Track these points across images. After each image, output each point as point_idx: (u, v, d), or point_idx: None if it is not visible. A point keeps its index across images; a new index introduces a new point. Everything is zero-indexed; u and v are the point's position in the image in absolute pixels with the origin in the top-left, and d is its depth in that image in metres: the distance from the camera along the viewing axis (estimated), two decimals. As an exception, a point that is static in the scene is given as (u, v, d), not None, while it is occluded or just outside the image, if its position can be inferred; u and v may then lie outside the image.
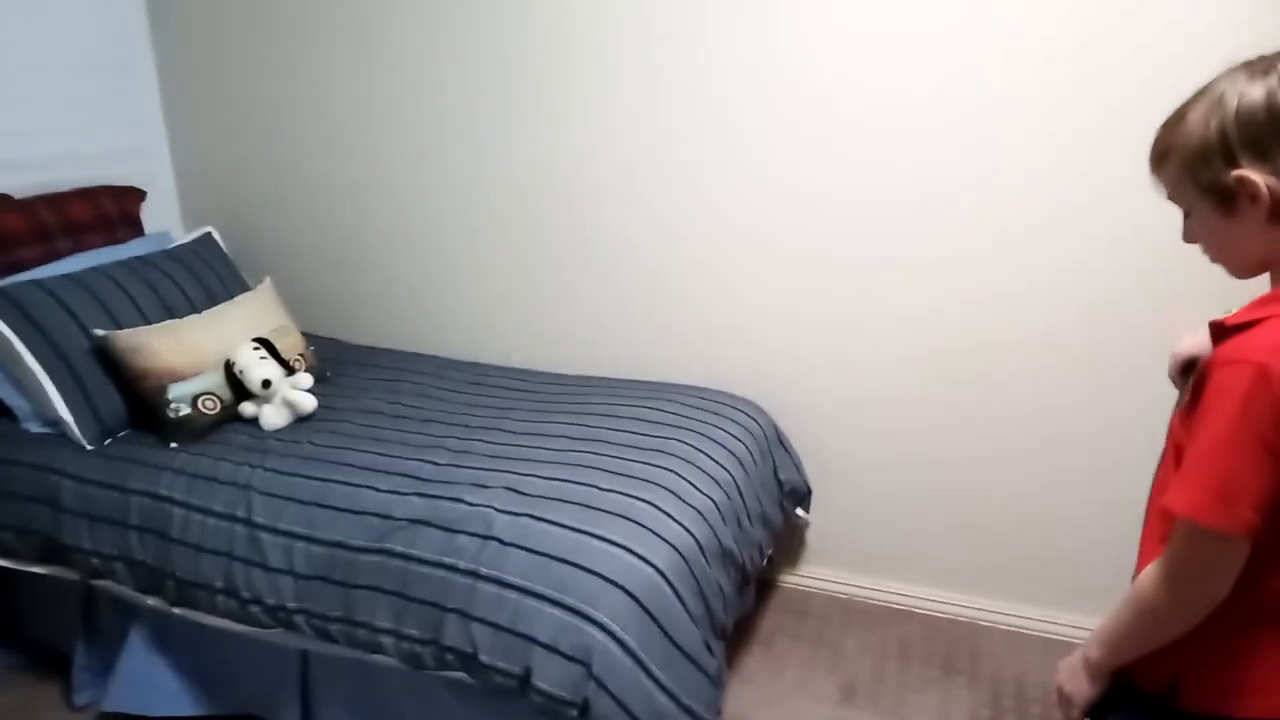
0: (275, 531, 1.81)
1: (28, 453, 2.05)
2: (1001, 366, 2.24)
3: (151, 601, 1.92)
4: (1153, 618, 1.00)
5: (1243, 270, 1.01)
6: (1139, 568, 1.07)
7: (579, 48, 2.37)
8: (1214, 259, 1.03)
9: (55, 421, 2.08)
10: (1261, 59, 0.93)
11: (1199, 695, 1.01)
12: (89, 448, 2.05)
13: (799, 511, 2.44)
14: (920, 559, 2.46)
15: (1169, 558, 0.97)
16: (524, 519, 1.71)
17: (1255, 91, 0.90)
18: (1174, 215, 1.02)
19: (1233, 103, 0.91)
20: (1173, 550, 0.96)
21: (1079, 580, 2.29)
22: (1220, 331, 0.98)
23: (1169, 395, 1.13)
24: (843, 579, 2.56)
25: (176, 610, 1.89)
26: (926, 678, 2.21)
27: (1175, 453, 1.02)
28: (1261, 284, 0.99)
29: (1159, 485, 1.07)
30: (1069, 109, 2.00)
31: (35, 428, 2.13)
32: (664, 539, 1.71)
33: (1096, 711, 1.10)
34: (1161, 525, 1.02)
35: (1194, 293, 1.09)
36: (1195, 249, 1.03)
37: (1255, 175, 0.90)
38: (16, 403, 2.13)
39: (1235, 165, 0.92)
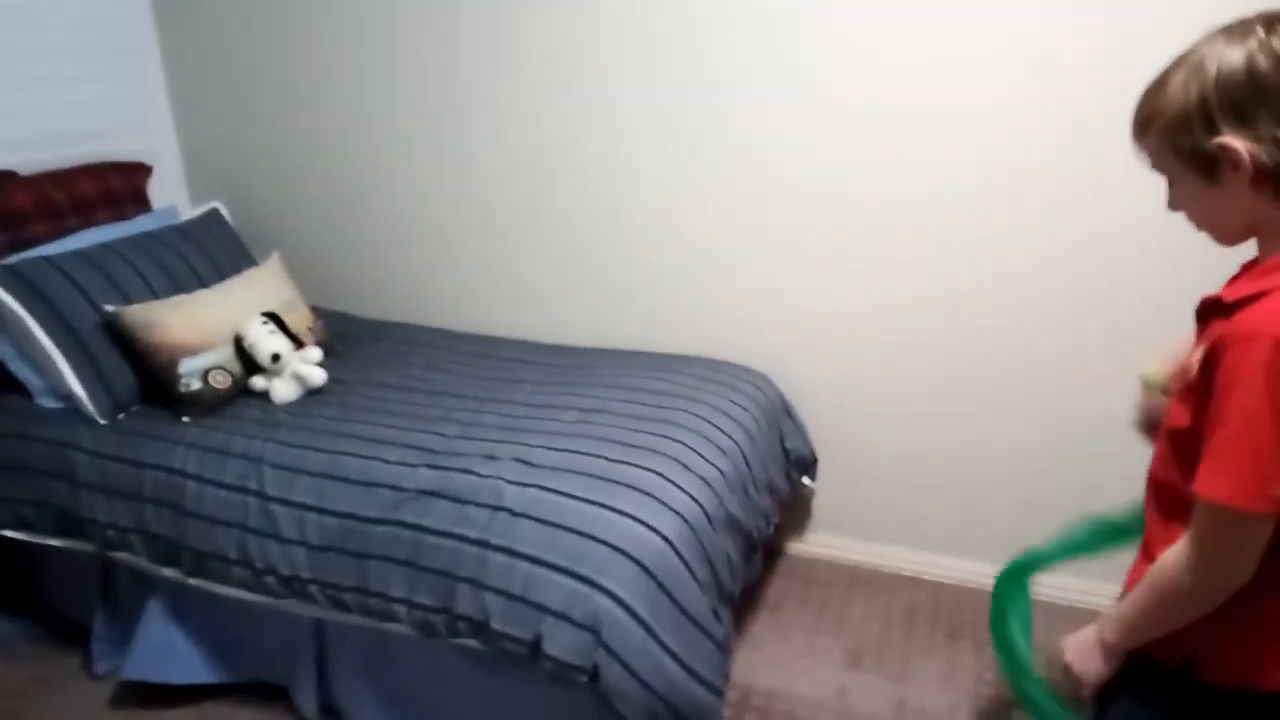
0: (288, 503, 1.83)
1: (43, 428, 2.08)
2: (1010, 337, 2.24)
3: (168, 573, 1.95)
4: (1178, 601, 0.98)
5: (1228, 237, 0.99)
6: (1146, 545, 1.06)
7: (595, 25, 2.35)
8: (1199, 226, 1.01)
9: (68, 397, 2.10)
10: (1241, 23, 0.91)
11: (1218, 669, 1.00)
12: (102, 422, 2.08)
13: (805, 480, 2.46)
14: (926, 526, 2.48)
15: (1197, 541, 0.94)
16: (533, 490, 1.73)
17: (1234, 56, 0.88)
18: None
19: (1212, 68, 0.89)
20: (1201, 533, 0.94)
21: (1084, 546, 2.30)
22: (1217, 307, 0.96)
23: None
24: (849, 546, 2.59)
25: (192, 581, 1.93)
26: (932, 643, 2.24)
27: (1170, 435, 1.01)
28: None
29: (1157, 463, 1.06)
30: (1079, 95, 1.98)
31: (49, 403, 2.15)
32: (672, 508, 1.73)
33: (1109, 687, 1.09)
34: (1166, 503, 1.02)
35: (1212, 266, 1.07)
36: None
37: (1237, 142, 0.89)
38: (30, 379, 2.15)
39: (1216, 132, 0.90)
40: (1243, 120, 0.88)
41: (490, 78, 2.51)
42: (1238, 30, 0.90)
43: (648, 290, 2.56)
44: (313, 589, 1.80)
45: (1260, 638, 0.98)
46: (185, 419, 2.07)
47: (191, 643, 2.03)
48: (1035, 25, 1.99)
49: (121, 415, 2.12)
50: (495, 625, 1.63)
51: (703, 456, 1.92)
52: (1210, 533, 0.93)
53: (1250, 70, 0.88)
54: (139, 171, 2.69)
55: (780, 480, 2.25)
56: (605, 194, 2.51)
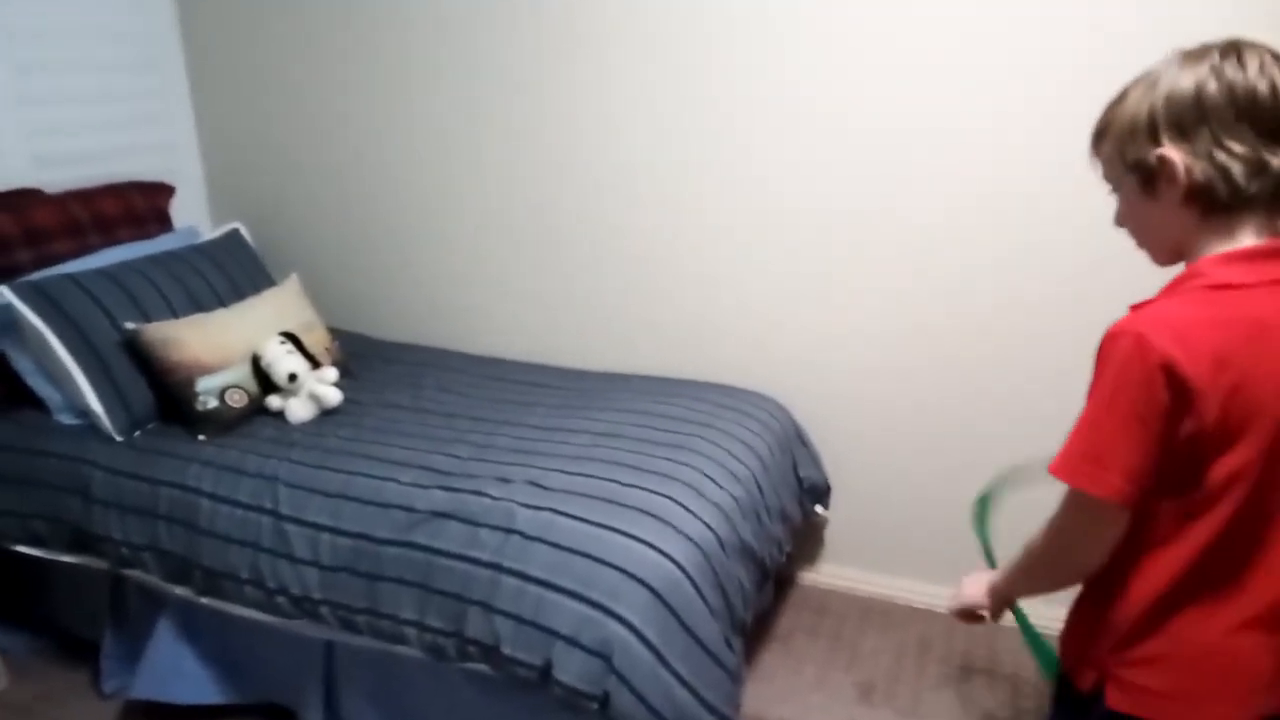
0: (301, 523, 1.83)
1: (59, 443, 2.09)
2: (1024, 369, 2.23)
3: (179, 591, 1.95)
4: (1035, 563, 1.10)
5: (1161, 254, 1.04)
6: None
7: (611, 45, 2.38)
8: (1138, 243, 1.06)
9: (86, 413, 2.12)
10: (1201, 47, 0.95)
11: (1119, 697, 1.03)
12: (119, 439, 2.09)
13: (818, 508, 2.44)
14: (940, 558, 2.46)
15: (1055, 515, 1.03)
16: (546, 513, 1.73)
17: (1186, 77, 0.93)
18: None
19: (1165, 86, 0.94)
20: (1058, 509, 1.02)
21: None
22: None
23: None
24: (861, 577, 2.56)
25: (204, 600, 1.92)
26: (945, 677, 2.21)
27: None
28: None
29: None
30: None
31: (66, 419, 2.16)
32: (684, 534, 1.72)
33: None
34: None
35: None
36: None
37: (1175, 155, 0.93)
38: (48, 394, 2.17)
39: (1159, 144, 0.94)
40: (1184, 136, 0.93)
41: (506, 105, 2.54)
42: (1195, 54, 0.94)
43: (661, 315, 2.57)
44: (324, 610, 1.79)
45: (1153, 669, 1.01)
46: (201, 437, 2.08)
47: (200, 662, 2.03)
48: (1041, 39, 2.00)
49: (138, 432, 2.13)
50: (505, 650, 1.62)
51: (716, 482, 1.92)
52: (1062, 509, 1.02)
53: (1198, 92, 0.92)
54: (161, 191, 2.73)
55: (793, 508, 2.24)
56: (619, 220, 2.52)
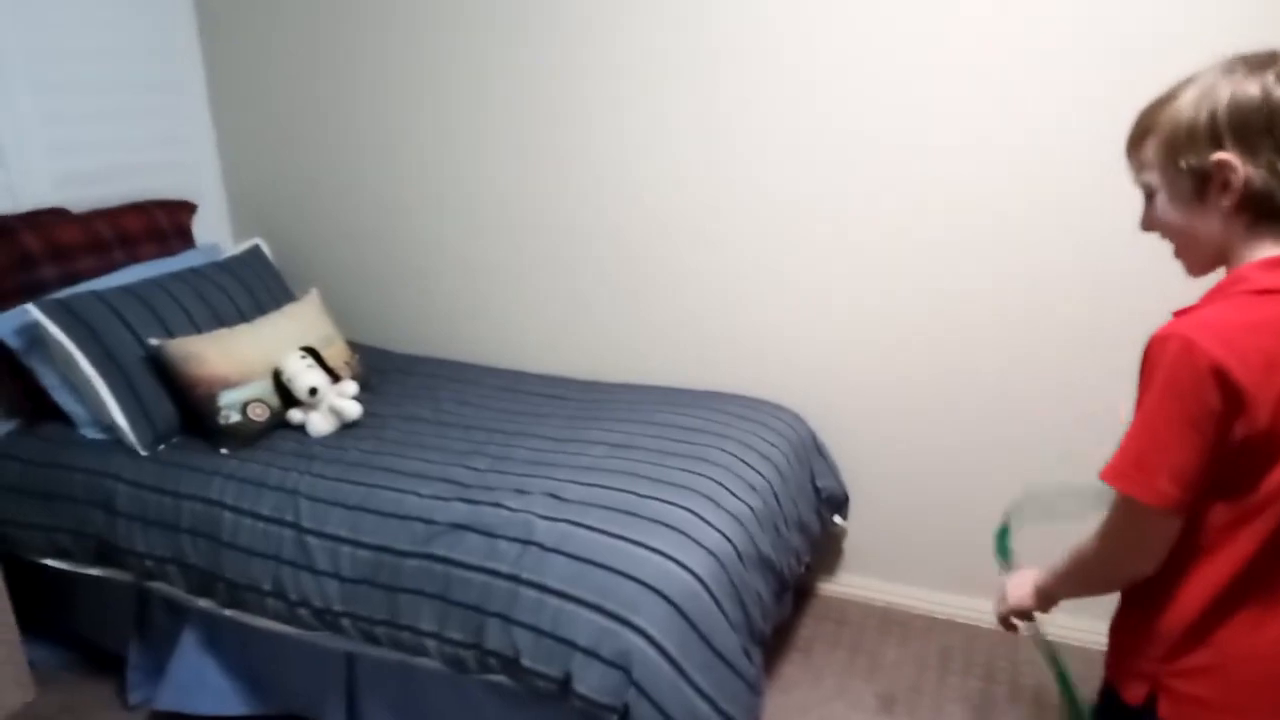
0: (322, 535, 1.85)
1: (84, 458, 2.12)
2: (1041, 378, 2.22)
3: (203, 603, 1.97)
4: (1081, 566, 1.08)
5: (1200, 263, 1.03)
6: None
7: (624, 60, 2.40)
8: (1176, 250, 1.05)
9: (111, 427, 2.15)
10: (1258, 55, 0.94)
11: (1173, 709, 1.02)
12: (143, 453, 2.12)
13: (836, 519, 2.44)
14: (960, 567, 2.44)
15: (1105, 519, 1.02)
16: (564, 525, 1.74)
17: (1252, 86, 0.92)
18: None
19: (1226, 91, 0.93)
20: (1109, 514, 1.02)
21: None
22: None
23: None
24: (881, 587, 2.56)
25: (227, 612, 1.94)
26: (966, 688, 2.20)
27: None
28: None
29: None
30: (1115, 117, 1.98)
31: (91, 434, 2.19)
32: (703, 545, 1.72)
33: None
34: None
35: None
36: None
37: (1236, 160, 0.92)
38: (74, 409, 2.20)
39: (1219, 150, 0.93)
40: (1246, 143, 0.92)
41: (522, 120, 2.56)
42: (1256, 62, 0.94)
43: (677, 326, 2.58)
44: (344, 621, 1.81)
45: (1215, 683, 0.99)
46: (224, 450, 2.10)
47: (224, 674, 2.05)
48: (1056, 43, 2.00)
49: (162, 446, 2.16)
50: (525, 661, 1.62)
51: (733, 493, 1.92)
52: (1113, 514, 1.01)
53: (1265, 100, 0.91)
54: (184, 209, 2.77)
55: (811, 518, 2.23)
56: (636, 231, 2.54)
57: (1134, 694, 1.05)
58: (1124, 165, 1.06)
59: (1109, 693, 1.10)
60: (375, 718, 1.92)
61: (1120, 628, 1.09)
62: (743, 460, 2.06)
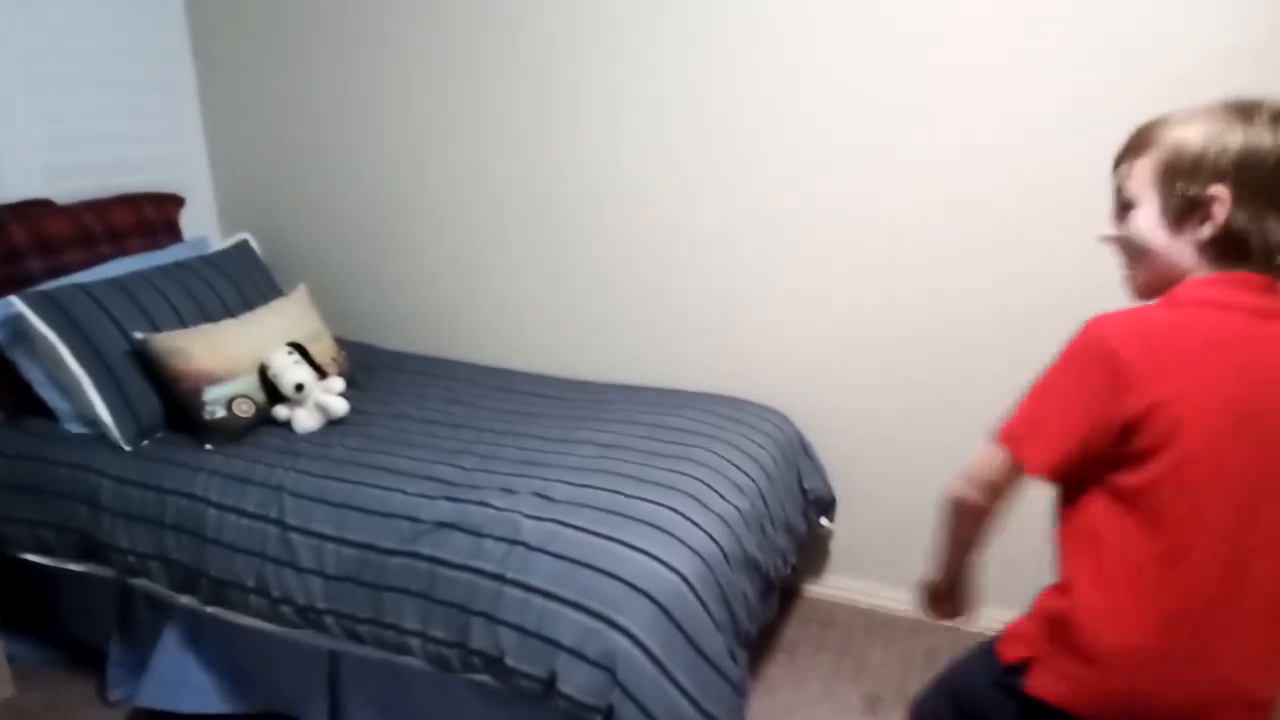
0: (306, 533, 1.84)
1: (68, 453, 2.10)
2: (1030, 381, 2.22)
3: (185, 600, 1.96)
4: (945, 504, 1.20)
5: (1149, 283, 1.08)
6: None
7: (613, 56, 2.39)
8: (1128, 264, 1.10)
9: (94, 422, 2.13)
10: (1277, 108, 0.97)
11: (1042, 679, 1.09)
12: (127, 448, 2.10)
13: (823, 520, 2.44)
14: (946, 571, 2.45)
15: (976, 465, 1.14)
16: (550, 524, 1.73)
17: (1266, 138, 0.96)
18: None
19: (1241, 137, 0.96)
20: (979, 460, 1.13)
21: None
22: None
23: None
24: (867, 589, 2.56)
25: (210, 609, 1.93)
26: (951, 690, 2.20)
27: None
28: None
29: None
30: (1116, 121, 1.99)
31: (75, 428, 2.18)
32: (689, 546, 1.72)
33: None
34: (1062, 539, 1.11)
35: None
36: None
37: (1228, 199, 0.96)
38: (58, 404, 2.18)
39: (1217, 185, 0.97)
40: (1245, 189, 0.96)
41: (514, 117, 2.55)
42: (1277, 114, 0.97)
43: (666, 327, 2.57)
44: (328, 619, 1.80)
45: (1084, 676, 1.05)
46: (208, 446, 2.09)
47: (205, 672, 2.03)
48: (1056, 43, 2.00)
49: (146, 441, 2.14)
50: (509, 661, 1.62)
51: (720, 494, 1.91)
52: (988, 462, 1.12)
53: (1278, 157, 0.96)
54: (172, 202, 2.75)
55: (798, 520, 2.23)
56: (625, 233, 2.53)
57: (1010, 653, 1.12)
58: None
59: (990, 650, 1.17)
60: (358, 716, 1.92)
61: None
62: (730, 461, 2.06)
